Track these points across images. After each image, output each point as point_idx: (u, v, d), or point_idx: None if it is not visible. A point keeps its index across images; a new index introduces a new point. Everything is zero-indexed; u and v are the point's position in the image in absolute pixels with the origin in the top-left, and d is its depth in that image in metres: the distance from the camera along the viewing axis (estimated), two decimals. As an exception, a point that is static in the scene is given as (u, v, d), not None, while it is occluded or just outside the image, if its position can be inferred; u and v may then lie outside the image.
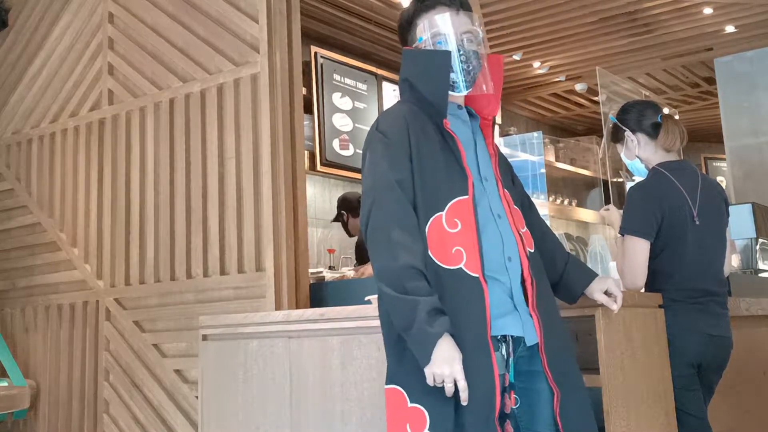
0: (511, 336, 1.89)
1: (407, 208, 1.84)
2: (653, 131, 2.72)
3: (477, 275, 1.82)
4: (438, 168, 1.89)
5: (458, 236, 1.84)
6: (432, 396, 1.74)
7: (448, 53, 1.95)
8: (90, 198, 4.17)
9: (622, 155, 2.83)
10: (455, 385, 1.70)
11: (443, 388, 1.71)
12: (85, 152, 4.24)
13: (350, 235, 4.87)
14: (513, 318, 1.89)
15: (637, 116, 2.76)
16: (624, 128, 2.77)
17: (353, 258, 4.96)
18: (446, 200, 1.87)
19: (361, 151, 5.64)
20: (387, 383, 1.81)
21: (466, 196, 1.88)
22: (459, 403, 1.74)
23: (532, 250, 1.96)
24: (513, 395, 1.91)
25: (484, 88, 1.99)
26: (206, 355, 3.06)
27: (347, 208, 4.76)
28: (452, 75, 1.96)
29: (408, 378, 1.76)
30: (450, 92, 1.98)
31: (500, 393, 1.79)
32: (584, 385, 1.97)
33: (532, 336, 1.90)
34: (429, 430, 1.73)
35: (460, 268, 1.82)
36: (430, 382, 1.70)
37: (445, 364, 1.69)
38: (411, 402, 1.75)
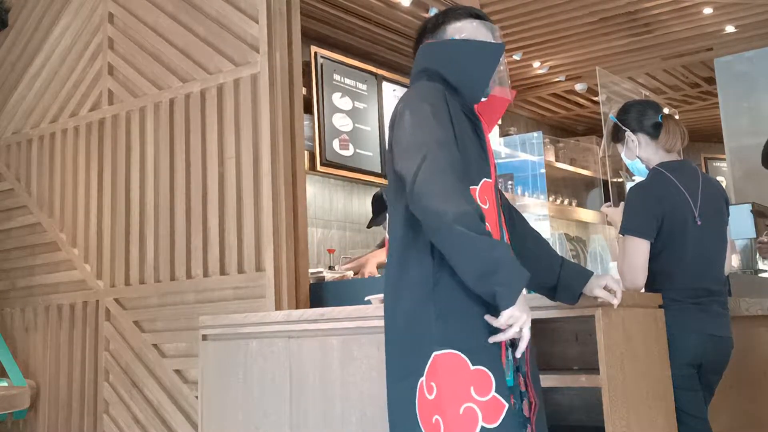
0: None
1: (460, 165, 1.79)
2: (654, 131, 2.72)
3: None
4: (469, 145, 1.90)
5: (488, 213, 1.84)
6: (497, 358, 1.69)
7: (503, 46, 2.01)
8: (90, 198, 4.17)
9: (623, 155, 2.83)
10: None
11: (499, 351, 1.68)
12: (85, 152, 4.24)
13: None
14: None
15: (638, 116, 2.76)
16: (624, 128, 2.77)
17: (351, 258, 4.95)
18: (479, 177, 1.88)
19: (361, 151, 5.62)
20: (438, 348, 1.70)
21: (491, 180, 1.92)
22: None
23: None
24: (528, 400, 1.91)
25: (504, 94, 2.05)
26: (206, 355, 3.06)
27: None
28: None
29: (469, 341, 1.68)
30: None
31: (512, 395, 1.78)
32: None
33: None
34: (496, 392, 1.68)
35: None
36: (503, 321, 1.65)
37: (525, 310, 1.66)
38: (474, 365, 1.68)
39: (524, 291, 1.68)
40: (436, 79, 1.98)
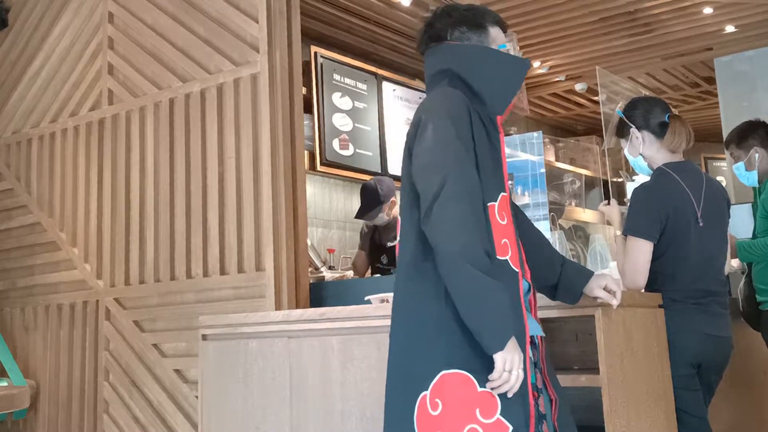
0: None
1: (479, 192, 1.80)
2: (660, 131, 2.70)
3: (518, 270, 1.84)
4: (488, 160, 1.89)
5: (506, 229, 1.85)
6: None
7: (529, 62, 2.02)
8: (90, 198, 4.17)
9: (626, 151, 2.81)
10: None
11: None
12: (85, 152, 4.24)
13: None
14: (531, 319, 1.92)
15: (644, 113, 2.73)
16: (630, 124, 2.75)
17: (352, 258, 4.94)
18: (497, 192, 1.87)
19: (361, 151, 5.60)
20: (446, 367, 1.72)
21: (506, 193, 1.91)
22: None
23: None
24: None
25: (522, 108, 2.07)
26: (206, 355, 3.06)
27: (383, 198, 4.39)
28: None
29: (477, 362, 1.70)
30: None
31: (533, 392, 1.80)
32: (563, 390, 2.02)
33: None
34: (501, 415, 1.69)
35: (506, 260, 1.83)
36: (500, 367, 1.67)
37: (516, 351, 1.68)
38: (481, 387, 1.70)
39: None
40: (457, 83, 1.95)
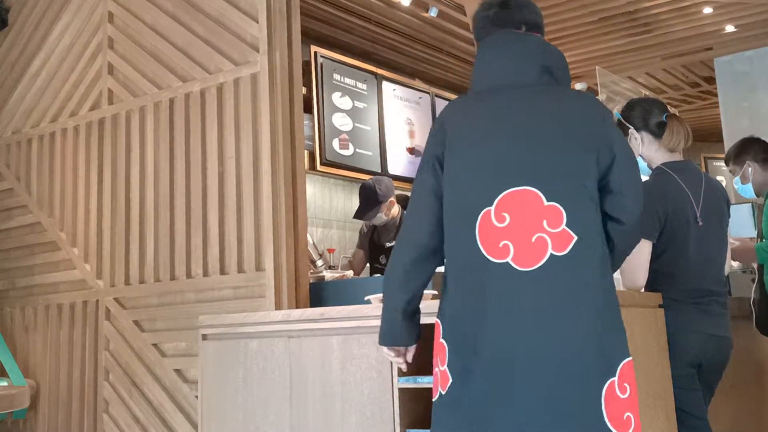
0: None
1: None
2: (658, 131, 2.70)
3: None
4: None
5: None
6: None
7: None
8: (90, 198, 4.17)
9: (625, 152, 2.82)
10: None
11: None
12: (85, 152, 4.24)
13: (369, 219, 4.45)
14: None
15: (643, 114, 2.74)
16: (628, 125, 2.76)
17: (349, 257, 4.93)
18: None
19: (360, 151, 5.59)
20: (628, 354, 1.86)
21: None
22: None
23: None
24: None
25: None
26: (206, 354, 3.06)
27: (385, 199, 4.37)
28: None
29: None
30: None
31: None
32: None
33: None
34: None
35: None
36: None
37: None
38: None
39: None
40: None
